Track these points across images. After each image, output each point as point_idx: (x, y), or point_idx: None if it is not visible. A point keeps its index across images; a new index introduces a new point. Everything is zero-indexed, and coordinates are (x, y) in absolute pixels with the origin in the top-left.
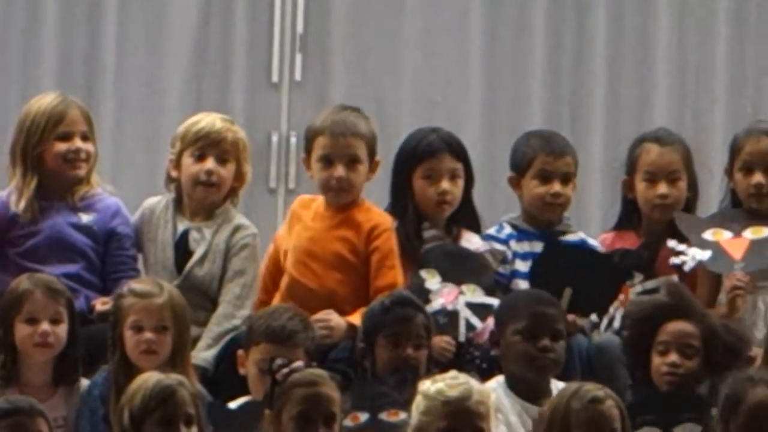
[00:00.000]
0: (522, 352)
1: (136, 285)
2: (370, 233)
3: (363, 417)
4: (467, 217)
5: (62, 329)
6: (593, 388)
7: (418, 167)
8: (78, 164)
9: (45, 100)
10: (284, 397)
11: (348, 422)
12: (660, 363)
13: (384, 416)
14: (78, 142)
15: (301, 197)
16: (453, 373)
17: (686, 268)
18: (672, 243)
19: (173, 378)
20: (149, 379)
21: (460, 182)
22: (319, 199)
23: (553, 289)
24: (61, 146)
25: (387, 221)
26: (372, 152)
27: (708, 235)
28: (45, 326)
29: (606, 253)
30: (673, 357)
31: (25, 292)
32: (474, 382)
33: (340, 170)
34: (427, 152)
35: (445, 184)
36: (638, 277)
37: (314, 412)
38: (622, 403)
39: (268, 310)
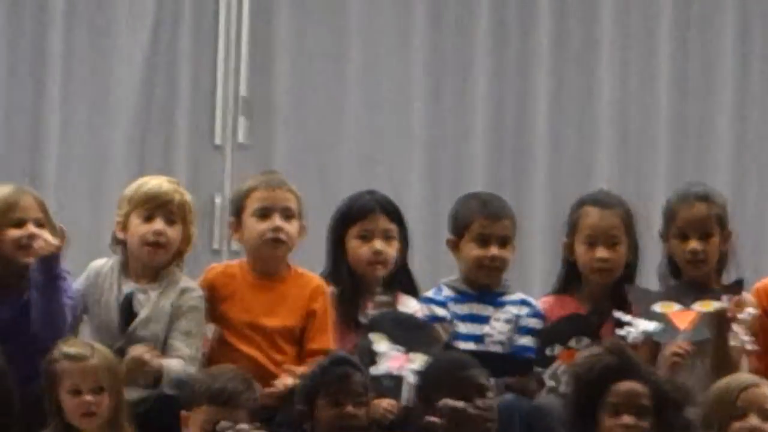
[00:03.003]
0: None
1: (68, 348)
2: (312, 293)
3: None
4: (404, 281)
5: None
6: None
7: (352, 227)
8: (32, 251)
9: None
10: None
11: None
12: (613, 425)
13: None
14: (32, 228)
15: (212, 267)
16: None
17: (630, 339)
18: (618, 314)
19: None
20: None
21: (395, 243)
22: (238, 266)
23: None
24: (15, 233)
25: (323, 283)
26: (301, 214)
27: (657, 307)
28: None
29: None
30: (627, 419)
31: None
32: None
33: (277, 220)
34: (360, 212)
35: (379, 244)
36: (584, 341)
37: None
38: None
39: (209, 371)
